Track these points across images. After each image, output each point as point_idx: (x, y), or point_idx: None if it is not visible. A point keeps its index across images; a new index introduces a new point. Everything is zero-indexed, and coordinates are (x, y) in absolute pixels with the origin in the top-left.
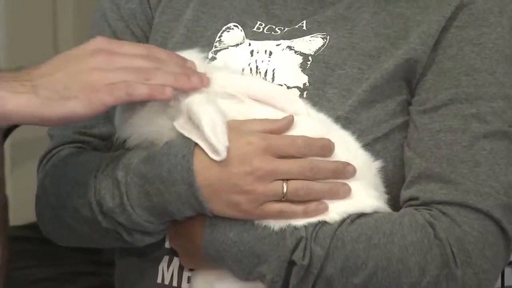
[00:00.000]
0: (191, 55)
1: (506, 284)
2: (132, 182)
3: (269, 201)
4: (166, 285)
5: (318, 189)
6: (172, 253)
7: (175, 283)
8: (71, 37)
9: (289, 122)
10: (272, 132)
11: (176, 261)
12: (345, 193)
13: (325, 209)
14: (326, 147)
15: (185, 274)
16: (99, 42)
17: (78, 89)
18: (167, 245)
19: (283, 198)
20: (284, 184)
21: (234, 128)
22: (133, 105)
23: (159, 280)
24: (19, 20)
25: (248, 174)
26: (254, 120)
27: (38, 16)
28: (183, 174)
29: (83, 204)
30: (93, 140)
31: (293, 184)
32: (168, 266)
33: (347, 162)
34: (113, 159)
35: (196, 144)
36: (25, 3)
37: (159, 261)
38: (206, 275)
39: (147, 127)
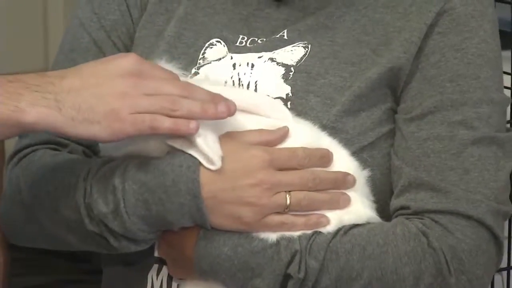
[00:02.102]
0: (171, 69)
1: None
2: (130, 190)
3: (271, 214)
4: None
5: (319, 199)
6: (161, 261)
7: None
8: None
9: (285, 132)
10: (269, 143)
11: (165, 270)
12: (344, 202)
13: (326, 222)
14: (325, 157)
15: (174, 284)
16: (131, 61)
17: (102, 115)
18: (156, 253)
19: (286, 210)
20: (287, 195)
21: (233, 139)
22: None
23: None
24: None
25: (253, 187)
26: (251, 131)
27: (28, 18)
28: (188, 184)
29: (66, 205)
30: (69, 143)
31: (296, 195)
32: (158, 275)
33: (346, 172)
34: (103, 164)
35: None
36: (16, 4)
37: (148, 269)
38: (195, 285)
39: (132, 142)
